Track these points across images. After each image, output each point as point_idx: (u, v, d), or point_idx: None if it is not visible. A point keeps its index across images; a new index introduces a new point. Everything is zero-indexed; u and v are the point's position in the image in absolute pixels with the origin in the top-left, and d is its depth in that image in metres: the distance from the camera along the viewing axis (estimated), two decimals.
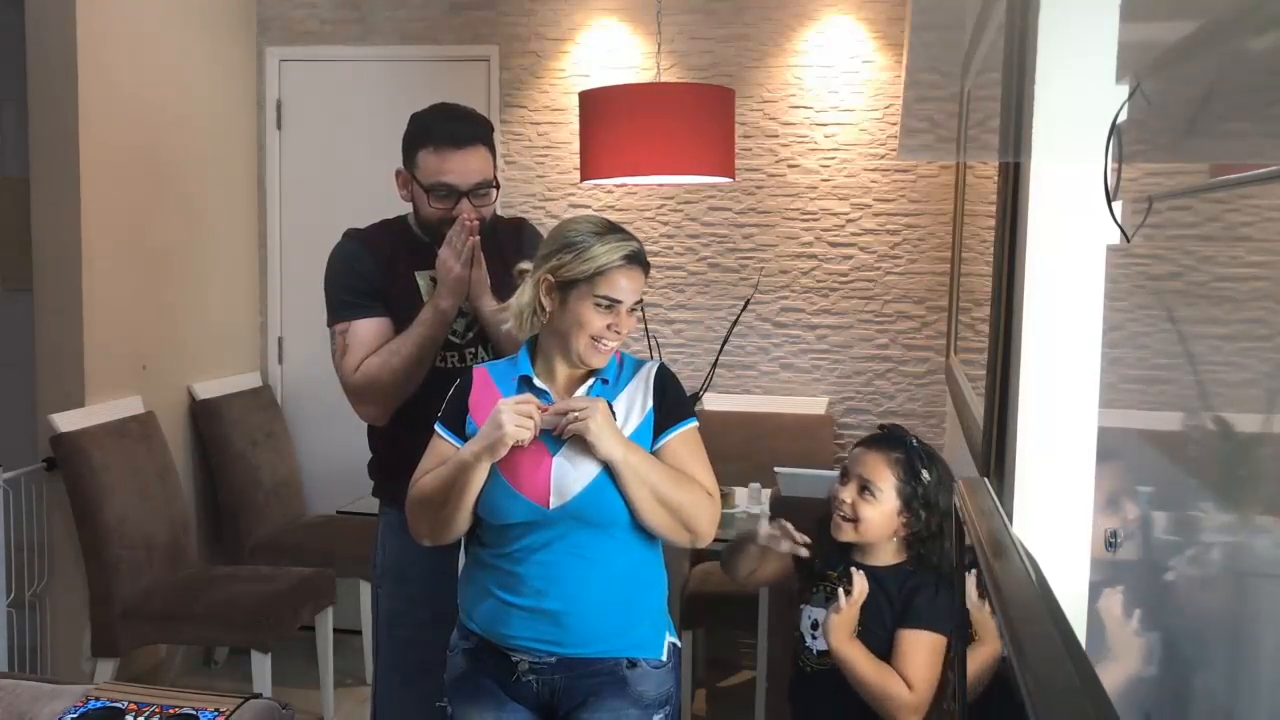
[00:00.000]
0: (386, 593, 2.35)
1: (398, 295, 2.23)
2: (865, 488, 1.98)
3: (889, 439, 2.04)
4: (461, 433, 1.86)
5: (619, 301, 1.80)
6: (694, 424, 1.88)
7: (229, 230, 4.14)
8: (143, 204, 3.63)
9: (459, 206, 2.16)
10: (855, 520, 1.98)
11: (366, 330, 2.20)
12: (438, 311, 2.14)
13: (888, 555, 2.01)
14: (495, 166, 2.24)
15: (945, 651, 1.90)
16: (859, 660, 1.90)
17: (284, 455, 4.14)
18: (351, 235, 2.31)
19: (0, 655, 3.11)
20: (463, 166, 2.16)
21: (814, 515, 2.09)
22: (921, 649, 1.90)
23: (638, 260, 1.84)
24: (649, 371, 1.90)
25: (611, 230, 1.84)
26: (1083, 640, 0.90)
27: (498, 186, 2.24)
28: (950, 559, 1.96)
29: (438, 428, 1.89)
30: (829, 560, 2.05)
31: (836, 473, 2.11)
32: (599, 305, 1.80)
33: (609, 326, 1.80)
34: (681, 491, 1.80)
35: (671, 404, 1.87)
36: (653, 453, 1.83)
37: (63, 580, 3.37)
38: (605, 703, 1.81)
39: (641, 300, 1.86)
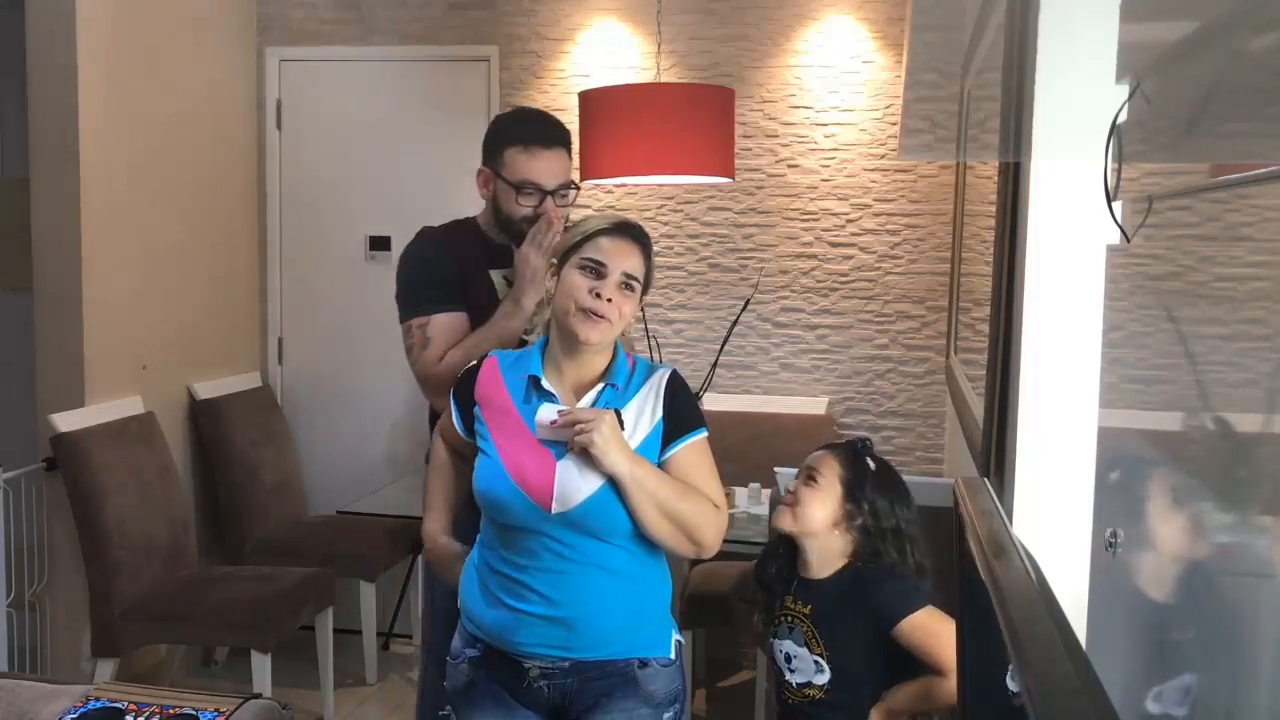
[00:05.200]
0: (443, 628, 2.16)
1: (474, 292, 2.29)
2: (810, 477, 1.98)
3: (845, 444, 2.04)
4: (468, 413, 1.89)
5: (602, 264, 1.80)
6: (703, 434, 1.86)
7: (229, 230, 4.13)
8: (143, 204, 3.63)
9: (543, 205, 2.24)
10: (794, 505, 1.96)
11: (448, 323, 2.26)
12: (518, 306, 2.20)
13: (833, 564, 1.97)
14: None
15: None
16: None
17: (284, 455, 4.13)
18: (429, 233, 2.37)
19: (0, 655, 3.11)
20: (550, 166, 2.25)
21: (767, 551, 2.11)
22: (933, 631, 1.82)
23: (626, 230, 1.85)
24: (660, 379, 1.87)
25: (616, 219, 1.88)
26: (1083, 640, 0.90)
27: (578, 188, 2.33)
28: (909, 551, 1.94)
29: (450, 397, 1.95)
30: (784, 587, 2.03)
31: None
32: (584, 270, 1.81)
33: (593, 292, 1.78)
34: (686, 504, 1.78)
35: (681, 413, 1.85)
36: (661, 462, 1.82)
37: (63, 580, 3.37)
38: (617, 704, 1.81)
39: (637, 280, 1.83)
